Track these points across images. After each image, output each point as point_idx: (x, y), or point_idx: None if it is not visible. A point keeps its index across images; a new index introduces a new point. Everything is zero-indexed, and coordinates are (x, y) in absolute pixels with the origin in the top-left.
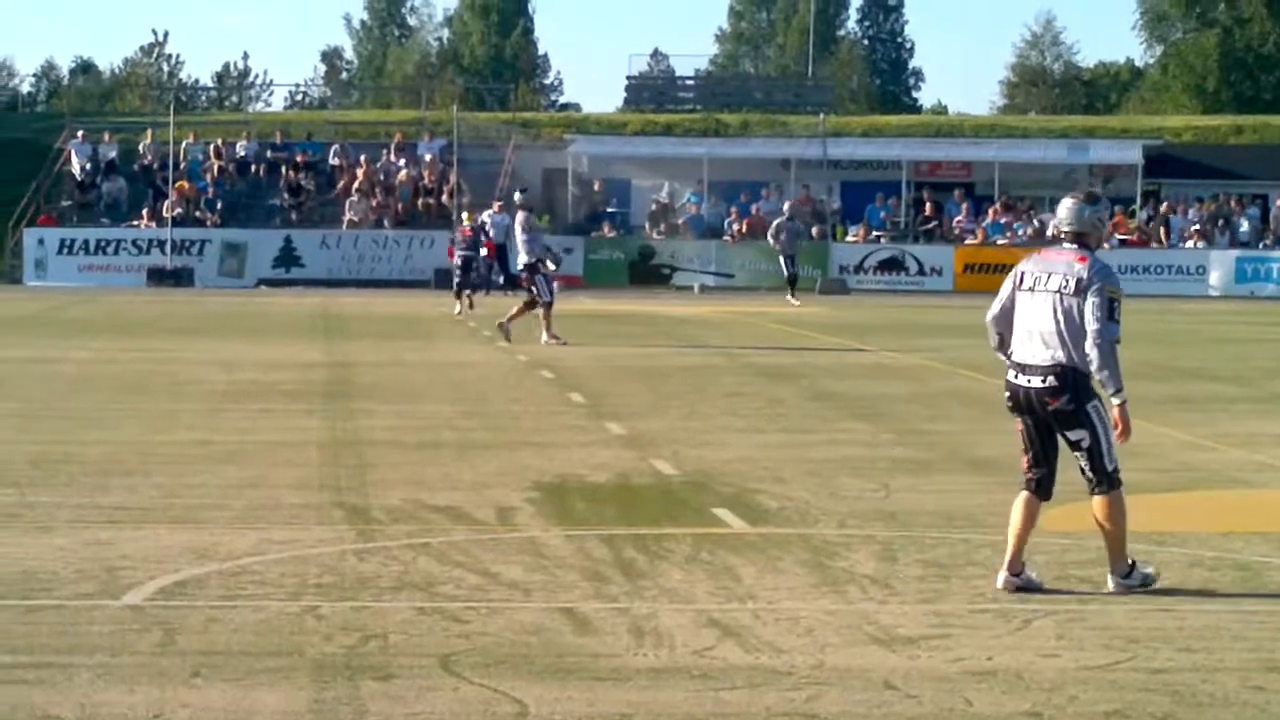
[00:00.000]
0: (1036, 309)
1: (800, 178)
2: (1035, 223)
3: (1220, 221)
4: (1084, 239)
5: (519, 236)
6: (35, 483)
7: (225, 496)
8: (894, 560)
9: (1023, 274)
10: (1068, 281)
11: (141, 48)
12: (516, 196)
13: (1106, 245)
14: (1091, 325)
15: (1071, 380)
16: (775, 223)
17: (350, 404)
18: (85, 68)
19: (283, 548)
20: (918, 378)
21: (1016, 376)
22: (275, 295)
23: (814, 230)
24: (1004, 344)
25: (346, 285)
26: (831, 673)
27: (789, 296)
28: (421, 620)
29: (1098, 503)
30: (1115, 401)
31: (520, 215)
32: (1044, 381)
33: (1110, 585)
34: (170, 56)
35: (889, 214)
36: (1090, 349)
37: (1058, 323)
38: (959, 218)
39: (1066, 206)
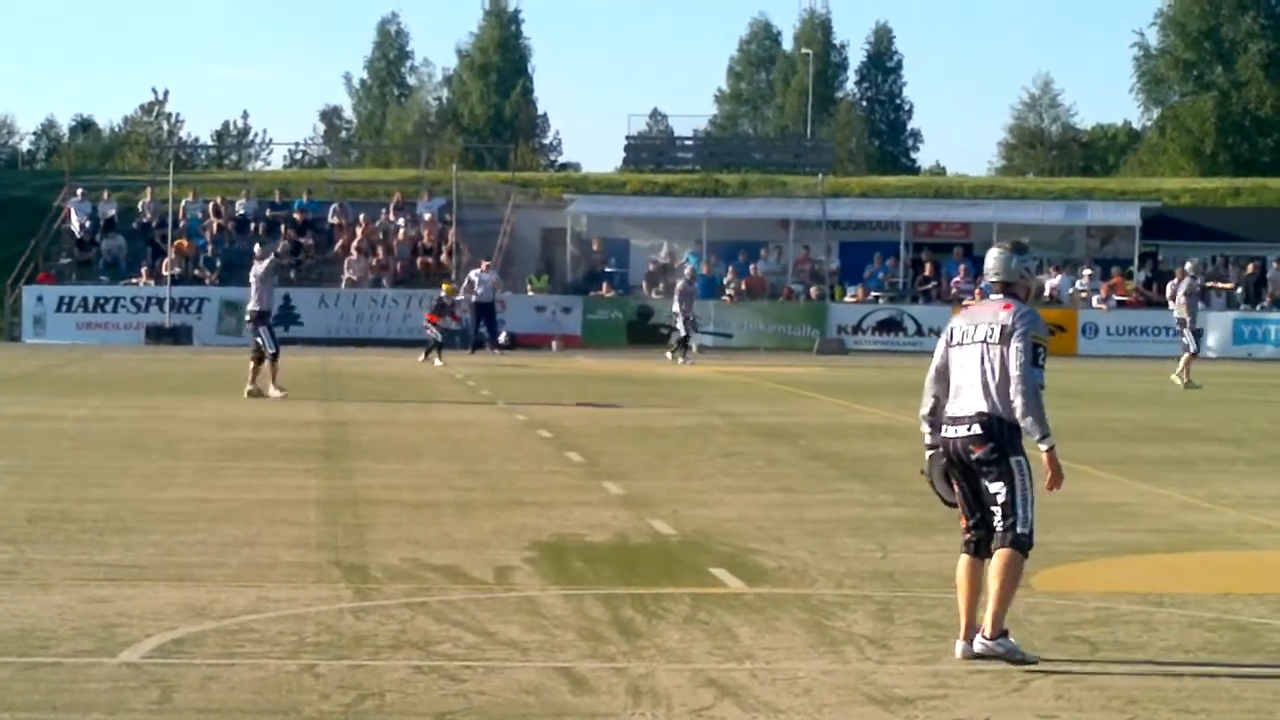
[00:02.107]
0: (965, 361)
1: (799, 238)
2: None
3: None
4: (1011, 289)
5: (256, 284)
6: (33, 540)
7: (223, 554)
8: (891, 620)
9: (952, 330)
10: (993, 330)
11: (141, 106)
12: (256, 249)
13: (1103, 306)
14: (1014, 371)
15: (997, 430)
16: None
17: (348, 463)
18: (85, 126)
19: (280, 606)
20: (915, 438)
21: (947, 429)
22: None
23: (812, 290)
24: (936, 410)
25: (345, 344)
26: None
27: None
28: (419, 679)
29: (997, 557)
30: (1043, 448)
31: (262, 264)
32: (969, 430)
33: (975, 646)
34: (170, 115)
35: (887, 274)
36: (1014, 395)
37: (984, 372)
38: (957, 278)
39: (994, 256)
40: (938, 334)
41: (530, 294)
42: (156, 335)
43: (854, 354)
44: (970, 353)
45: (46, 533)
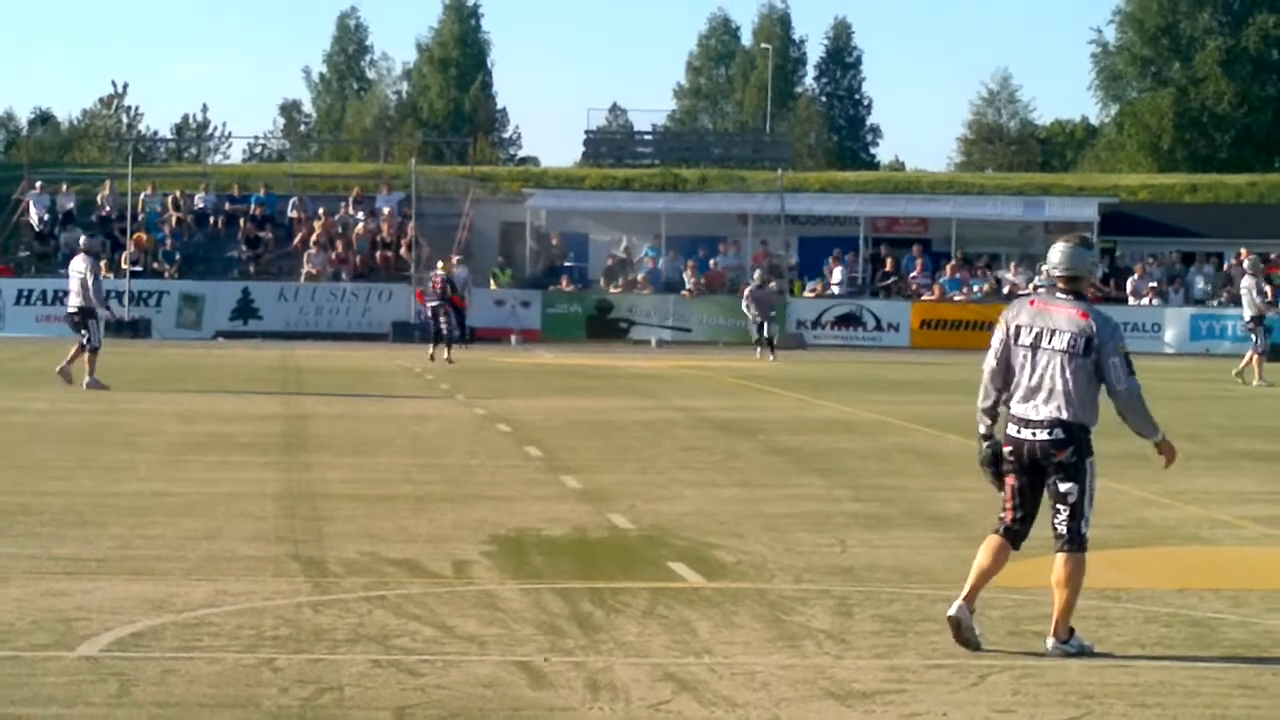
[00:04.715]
0: (1042, 367)
1: (758, 233)
2: (992, 279)
3: (1175, 279)
4: (1078, 284)
5: (80, 280)
6: None
7: (182, 548)
8: (850, 615)
9: (1019, 327)
10: (1076, 341)
11: (100, 99)
12: (81, 240)
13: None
14: (1119, 387)
15: (1078, 434)
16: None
17: (307, 456)
18: (44, 119)
19: (239, 599)
20: (874, 433)
21: (1020, 431)
22: (233, 347)
23: (772, 284)
24: (995, 406)
25: (304, 338)
26: None
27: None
28: (377, 673)
29: (1062, 561)
30: (1156, 439)
31: (85, 260)
32: (1050, 434)
33: (1048, 646)
34: (129, 108)
35: (846, 269)
36: (1124, 409)
37: (1066, 381)
38: (915, 273)
39: (1060, 250)
40: (896, 329)
41: (493, 288)
42: (115, 329)
43: (813, 349)
44: (1049, 359)
45: (4, 526)
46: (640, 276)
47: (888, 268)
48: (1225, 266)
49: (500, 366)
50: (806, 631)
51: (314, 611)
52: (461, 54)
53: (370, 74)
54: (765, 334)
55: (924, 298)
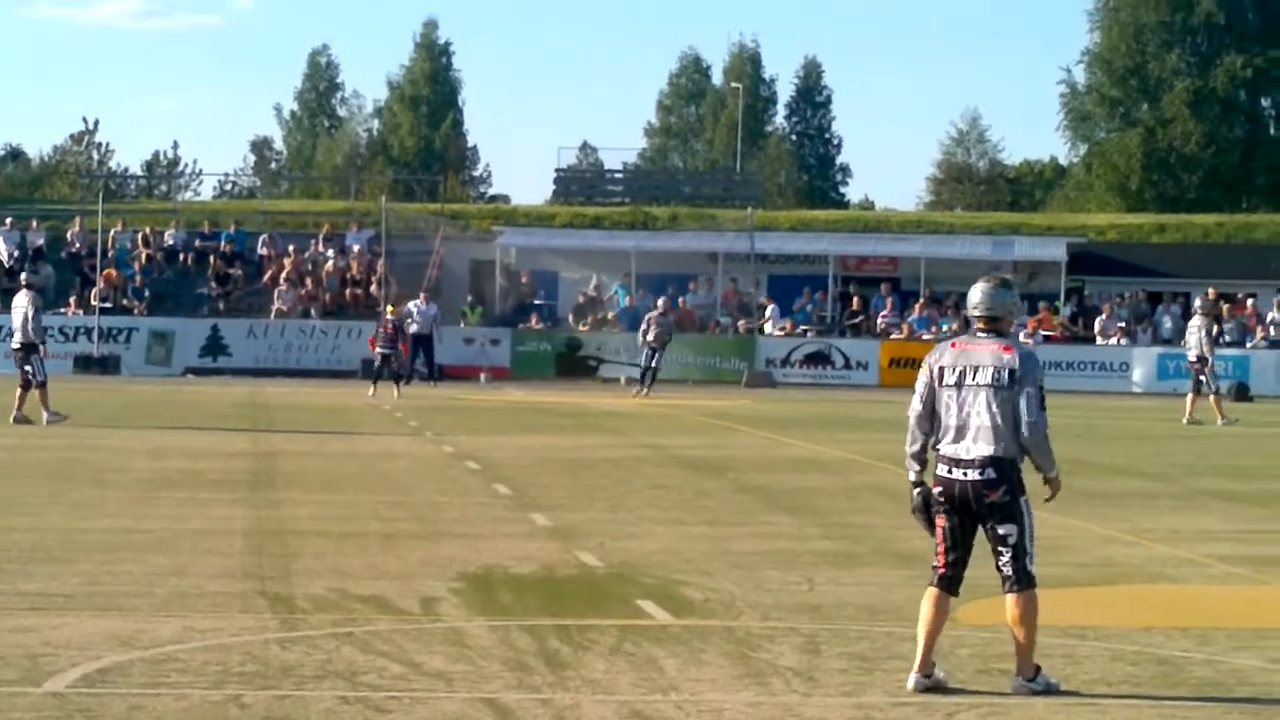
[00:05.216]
0: (968, 404)
1: (728, 271)
2: (960, 318)
3: (1143, 319)
4: (998, 324)
5: (21, 316)
6: None
7: (149, 584)
8: (817, 653)
9: (942, 369)
10: (1000, 375)
11: (71, 135)
12: (23, 276)
13: (1029, 341)
14: (1026, 419)
15: (1009, 472)
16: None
17: (276, 493)
18: (14, 154)
19: (206, 636)
20: (842, 471)
21: (950, 471)
22: (202, 384)
23: (740, 324)
24: (923, 450)
25: (274, 375)
26: None
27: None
28: (344, 709)
29: (1013, 601)
30: (1051, 474)
31: (28, 295)
32: (981, 474)
33: (1012, 688)
34: (100, 144)
35: (815, 308)
36: (1027, 443)
37: (993, 416)
38: (885, 312)
39: (981, 291)
40: (865, 367)
41: (463, 326)
42: (85, 365)
43: (782, 387)
44: (974, 395)
45: None
46: (610, 315)
47: (856, 306)
48: (1192, 307)
49: (469, 404)
50: (774, 669)
51: (281, 648)
52: (432, 92)
53: (341, 111)
54: (653, 365)
55: (893, 336)
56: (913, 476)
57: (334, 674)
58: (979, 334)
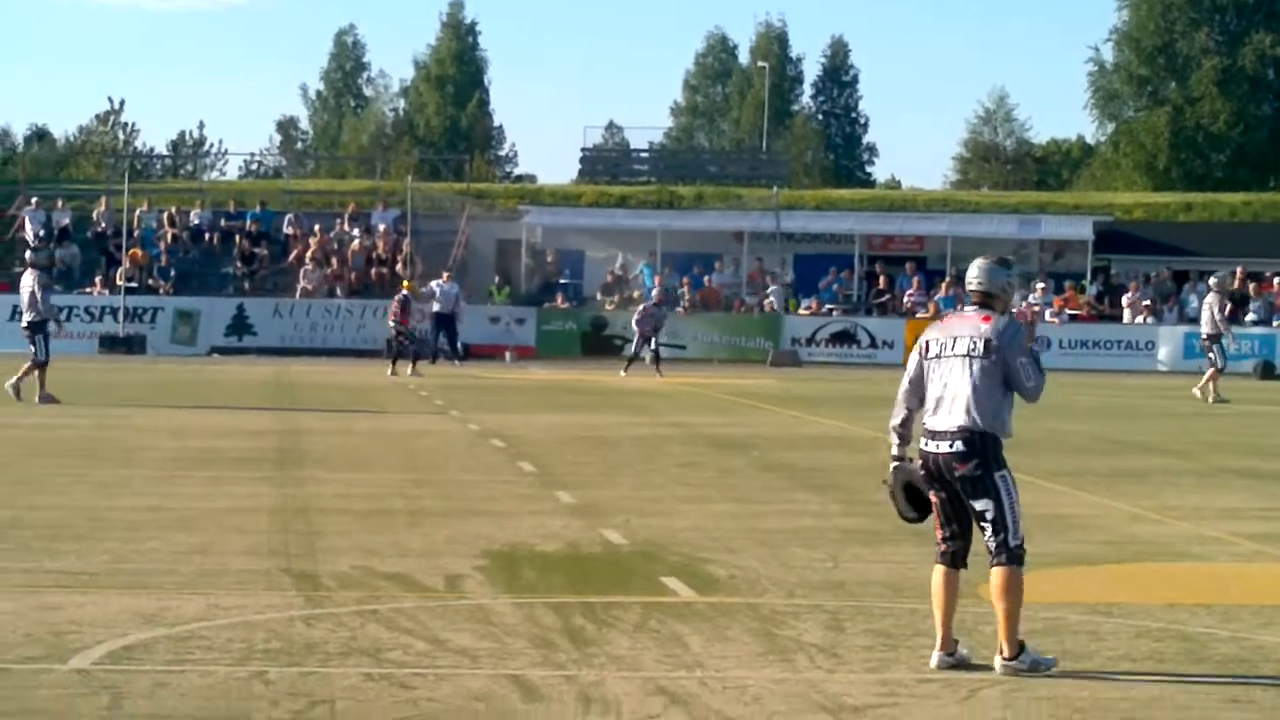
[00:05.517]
0: (945, 375)
1: (753, 250)
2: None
3: (1169, 298)
4: (991, 301)
5: (30, 294)
6: None
7: (174, 562)
8: (842, 630)
9: (928, 343)
10: (975, 344)
11: (97, 115)
12: (28, 255)
13: (1055, 320)
14: (1029, 384)
15: (980, 445)
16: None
17: (301, 471)
18: (40, 135)
19: (231, 613)
20: (867, 449)
21: (928, 443)
22: (227, 363)
23: (765, 304)
24: (908, 422)
25: (299, 354)
26: None
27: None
28: (369, 686)
29: (995, 575)
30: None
31: (33, 274)
32: (951, 446)
33: (997, 667)
34: (126, 124)
35: (841, 287)
36: (1032, 402)
37: (968, 384)
38: (911, 291)
39: (978, 266)
40: (890, 346)
41: (490, 306)
42: (110, 345)
43: (807, 366)
44: (952, 366)
45: None
46: (636, 294)
47: (882, 285)
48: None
49: (494, 383)
50: (798, 646)
51: (306, 625)
52: (459, 71)
53: (367, 91)
54: (654, 347)
55: (919, 315)
56: (893, 451)
57: (359, 651)
58: (967, 309)
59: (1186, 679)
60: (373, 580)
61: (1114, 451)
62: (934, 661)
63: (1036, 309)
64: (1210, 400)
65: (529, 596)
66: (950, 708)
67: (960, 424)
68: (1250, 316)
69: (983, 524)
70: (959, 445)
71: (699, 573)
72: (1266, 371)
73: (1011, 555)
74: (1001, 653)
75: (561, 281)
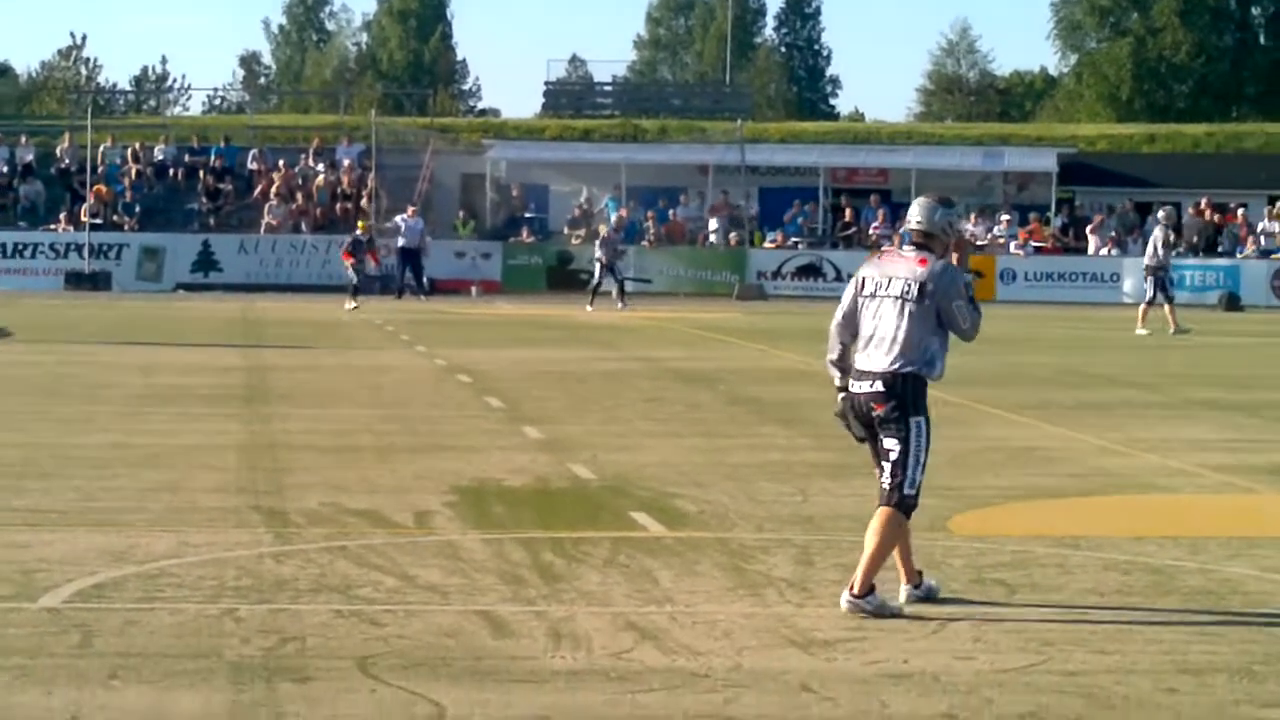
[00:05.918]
0: (878, 314)
1: (718, 183)
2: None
3: (1133, 229)
4: (930, 242)
5: None
6: None
7: (143, 499)
8: (811, 564)
9: (864, 279)
10: (910, 287)
11: (59, 51)
12: None
13: (1020, 252)
14: (965, 326)
15: (900, 388)
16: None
17: (268, 408)
18: (1, 71)
19: (200, 550)
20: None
21: (854, 384)
22: (193, 300)
23: (731, 236)
24: (844, 356)
25: (265, 290)
26: (749, 675)
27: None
28: (339, 623)
29: (878, 514)
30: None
31: None
32: (872, 386)
33: (842, 603)
34: (88, 60)
35: (807, 220)
36: (969, 341)
37: (898, 328)
38: (876, 224)
39: (919, 205)
40: None
41: (458, 240)
42: (75, 281)
43: (773, 299)
44: (884, 306)
45: None
46: (601, 228)
47: (848, 218)
48: (1183, 217)
49: (460, 318)
50: (768, 580)
51: (276, 562)
52: (421, 5)
53: (330, 25)
54: (618, 279)
55: (884, 248)
56: (837, 382)
57: (329, 588)
58: (906, 247)
59: (1154, 611)
60: (342, 517)
61: (1080, 384)
62: (902, 596)
63: (971, 236)
64: (1171, 332)
65: (498, 532)
66: (919, 641)
67: (885, 366)
68: (1180, 249)
69: (884, 463)
70: (878, 386)
71: (667, 508)
72: (1231, 303)
73: (901, 501)
74: (851, 588)
75: (526, 216)
